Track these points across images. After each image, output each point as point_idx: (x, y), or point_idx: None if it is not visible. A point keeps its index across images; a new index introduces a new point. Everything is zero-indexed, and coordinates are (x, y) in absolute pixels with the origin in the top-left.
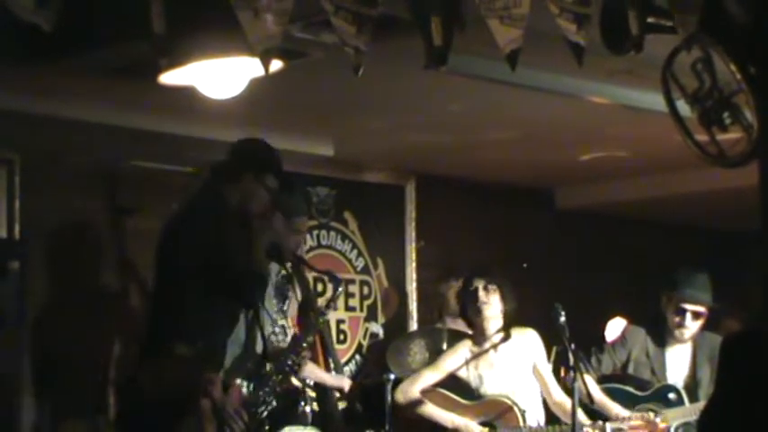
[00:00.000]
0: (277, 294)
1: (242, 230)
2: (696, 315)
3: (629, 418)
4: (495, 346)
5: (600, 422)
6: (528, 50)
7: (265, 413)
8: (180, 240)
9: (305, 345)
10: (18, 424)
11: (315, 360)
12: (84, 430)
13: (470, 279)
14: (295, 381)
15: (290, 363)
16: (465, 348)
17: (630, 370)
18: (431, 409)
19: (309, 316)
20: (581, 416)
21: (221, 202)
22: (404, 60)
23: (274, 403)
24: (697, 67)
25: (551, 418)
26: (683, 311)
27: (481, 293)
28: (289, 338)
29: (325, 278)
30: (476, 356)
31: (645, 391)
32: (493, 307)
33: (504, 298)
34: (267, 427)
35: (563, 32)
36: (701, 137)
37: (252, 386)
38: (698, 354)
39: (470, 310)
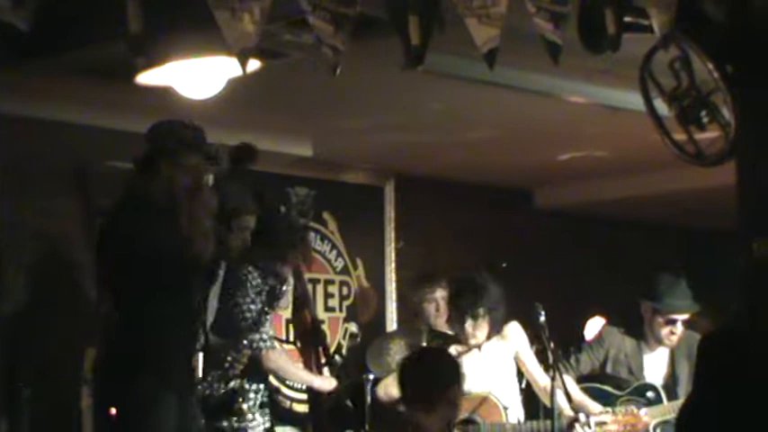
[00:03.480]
0: (266, 290)
1: (174, 217)
2: (683, 321)
3: (614, 412)
4: (479, 346)
5: (583, 415)
6: (506, 50)
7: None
8: (112, 241)
9: (245, 342)
10: None
11: (309, 360)
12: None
13: (458, 302)
14: (276, 381)
15: (229, 359)
16: (450, 347)
17: (608, 369)
18: None
19: (303, 314)
20: (566, 408)
21: (146, 195)
22: (382, 60)
23: (211, 397)
24: (675, 66)
25: (531, 415)
26: (674, 322)
27: (468, 323)
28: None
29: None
30: (460, 355)
31: (623, 390)
32: (480, 333)
33: (492, 318)
34: (203, 420)
35: (540, 31)
36: (679, 136)
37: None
38: (676, 352)
39: (457, 329)
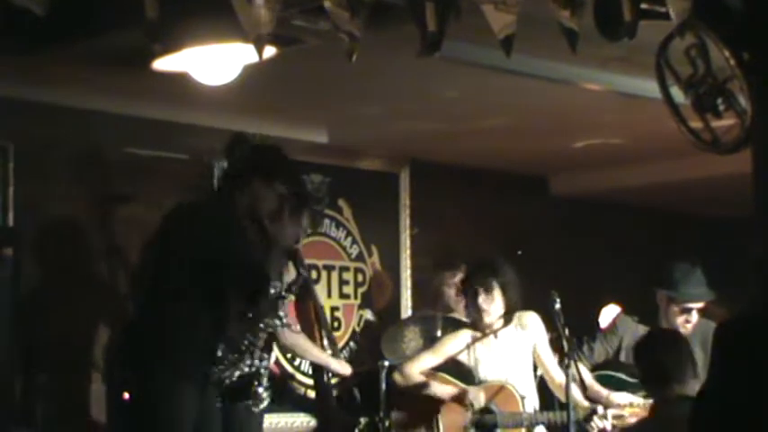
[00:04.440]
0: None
1: (252, 232)
2: (699, 309)
3: (631, 404)
4: (495, 332)
5: (601, 407)
6: (522, 37)
7: (221, 388)
8: (186, 241)
9: (262, 326)
10: (11, 409)
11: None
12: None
13: (471, 278)
14: (280, 358)
15: (246, 343)
16: (466, 333)
17: (623, 357)
18: (432, 388)
19: (307, 303)
20: (582, 401)
21: (231, 205)
22: (398, 47)
23: (228, 381)
24: (691, 53)
25: (546, 405)
26: (689, 310)
27: (481, 298)
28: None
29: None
30: (476, 341)
31: (637, 378)
32: (494, 307)
33: (506, 295)
34: (219, 405)
35: (557, 18)
36: (696, 123)
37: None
38: (690, 340)
39: (471, 308)
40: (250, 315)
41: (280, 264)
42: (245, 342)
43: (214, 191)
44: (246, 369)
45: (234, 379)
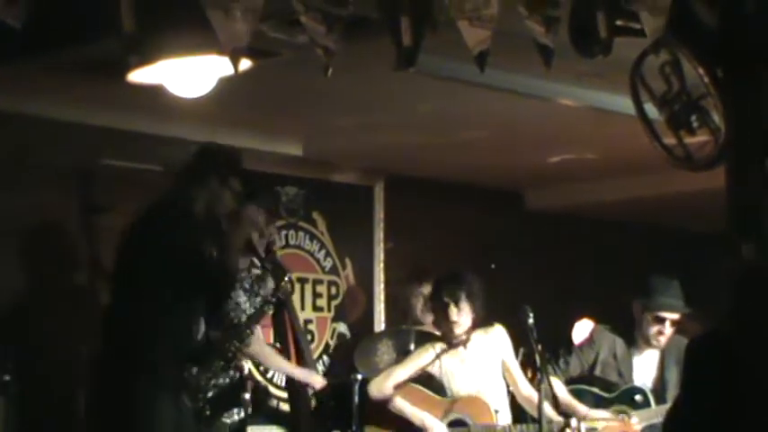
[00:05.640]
0: (248, 289)
1: (211, 232)
2: (673, 322)
3: (604, 419)
4: (465, 343)
5: (574, 421)
6: (498, 52)
7: (208, 396)
8: (147, 244)
9: (248, 332)
10: None
11: (287, 356)
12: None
13: (440, 291)
14: (253, 370)
15: (233, 349)
16: (436, 345)
17: (597, 371)
18: (403, 406)
19: (282, 315)
20: (551, 413)
21: (188, 205)
22: (374, 60)
23: (216, 388)
24: (665, 70)
25: (517, 419)
26: (662, 320)
27: (452, 311)
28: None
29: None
30: (446, 353)
31: (611, 393)
32: (463, 320)
33: (474, 309)
34: (208, 412)
35: (532, 35)
36: (669, 139)
37: (195, 371)
38: (666, 356)
39: (441, 321)
40: (221, 315)
41: (238, 264)
42: (232, 348)
43: (173, 191)
44: (232, 375)
45: (221, 386)
